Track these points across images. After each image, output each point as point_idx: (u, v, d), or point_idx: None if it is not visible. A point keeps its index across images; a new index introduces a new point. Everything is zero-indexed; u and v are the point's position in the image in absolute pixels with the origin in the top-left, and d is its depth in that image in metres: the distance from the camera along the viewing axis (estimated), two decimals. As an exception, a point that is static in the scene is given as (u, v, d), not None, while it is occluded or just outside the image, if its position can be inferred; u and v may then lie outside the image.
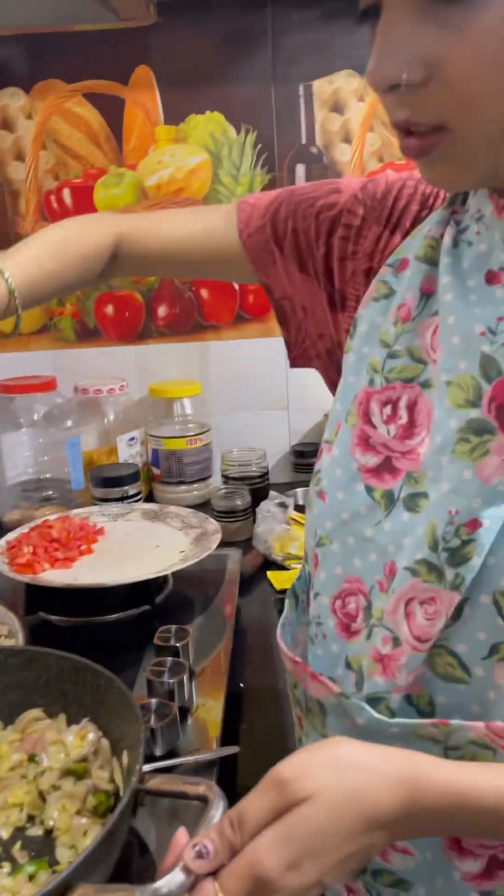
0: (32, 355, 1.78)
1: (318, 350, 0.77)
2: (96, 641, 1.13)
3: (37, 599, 1.16)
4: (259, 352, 1.79)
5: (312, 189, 0.75)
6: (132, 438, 1.74)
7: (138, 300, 1.78)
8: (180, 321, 1.80)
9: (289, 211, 0.75)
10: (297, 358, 0.81)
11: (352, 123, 1.69)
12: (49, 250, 0.81)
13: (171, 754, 0.85)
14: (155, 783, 0.60)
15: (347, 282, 0.71)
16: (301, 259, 0.74)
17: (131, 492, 1.55)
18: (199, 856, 0.47)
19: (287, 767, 0.49)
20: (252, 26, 1.63)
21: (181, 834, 0.51)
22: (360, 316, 0.67)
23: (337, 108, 1.68)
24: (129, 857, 0.62)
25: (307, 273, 0.74)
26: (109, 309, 1.78)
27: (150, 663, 0.96)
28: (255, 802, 0.48)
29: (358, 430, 0.63)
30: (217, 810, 0.53)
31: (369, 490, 0.61)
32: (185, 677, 0.93)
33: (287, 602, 0.73)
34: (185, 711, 0.92)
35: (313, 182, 0.77)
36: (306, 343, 0.79)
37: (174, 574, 1.21)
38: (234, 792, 0.60)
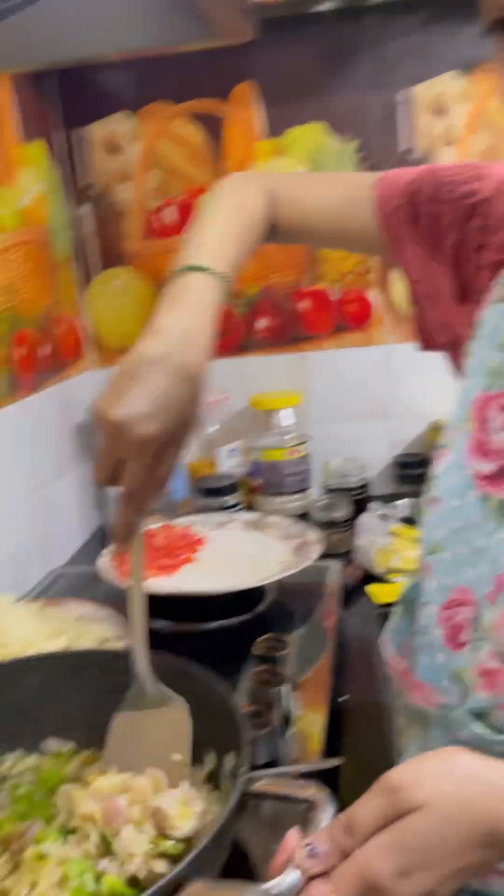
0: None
1: (441, 339, 0.76)
2: (198, 648, 1.13)
3: (141, 605, 1.18)
4: (360, 361, 1.77)
5: (454, 173, 0.73)
6: (232, 449, 1.76)
7: (236, 316, 1.80)
8: (280, 333, 1.80)
9: (427, 193, 0.73)
10: (425, 342, 0.79)
11: (455, 126, 1.66)
12: (232, 229, 0.77)
13: (271, 765, 0.84)
14: (262, 785, 0.59)
15: (476, 274, 0.69)
16: (433, 243, 0.73)
17: (231, 502, 1.57)
18: (312, 856, 0.47)
19: (399, 774, 0.47)
20: (351, 36, 1.63)
21: (293, 834, 0.51)
22: (482, 318, 0.65)
23: (439, 111, 1.65)
24: (231, 861, 0.62)
25: (438, 258, 0.73)
26: (211, 323, 1.81)
27: (250, 673, 0.95)
28: (366, 808, 0.47)
29: (474, 436, 0.61)
30: (325, 814, 0.52)
31: (484, 499, 0.59)
32: (286, 688, 0.93)
33: (396, 610, 0.72)
34: (285, 723, 0.92)
35: (456, 164, 0.75)
36: (431, 329, 0.77)
37: (275, 585, 1.20)
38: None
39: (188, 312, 0.69)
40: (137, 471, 0.64)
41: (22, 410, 1.47)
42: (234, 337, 1.81)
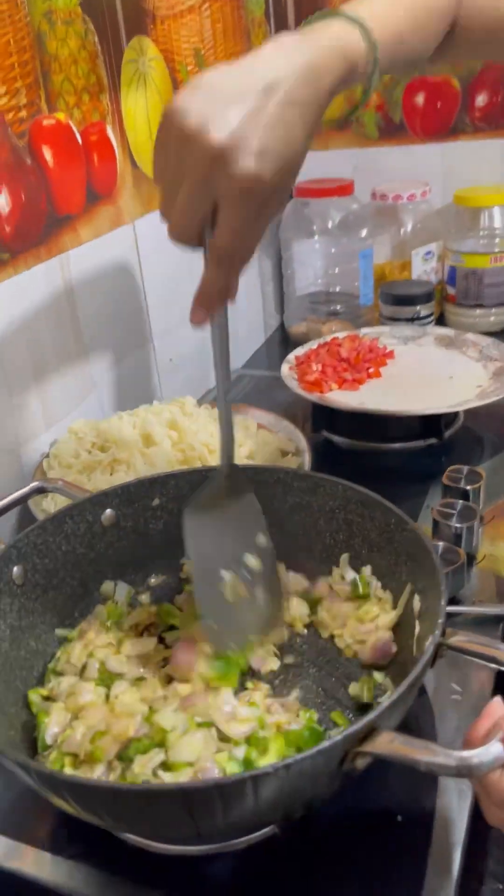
0: (330, 155, 1.65)
1: None
2: (378, 468, 1.10)
3: (322, 419, 1.14)
4: None
5: None
6: (428, 252, 1.59)
7: (454, 87, 1.53)
8: (501, 113, 1.53)
9: None
10: None
11: None
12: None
13: (453, 602, 0.81)
14: (457, 640, 0.56)
15: None
16: None
17: (423, 313, 1.44)
18: None
19: None
20: None
21: (497, 704, 0.47)
22: None
23: None
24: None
25: None
26: (420, 99, 1.56)
27: (436, 503, 0.90)
28: None
29: None
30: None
31: None
32: (475, 523, 0.87)
33: None
34: (470, 559, 0.87)
35: None
36: None
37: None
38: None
39: (317, 48, 0.53)
40: (237, 222, 0.51)
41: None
42: (446, 117, 1.56)
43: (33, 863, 0.59)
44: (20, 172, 0.92)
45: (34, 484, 0.80)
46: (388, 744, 0.48)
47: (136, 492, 0.78)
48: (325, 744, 0.47)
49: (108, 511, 0.77)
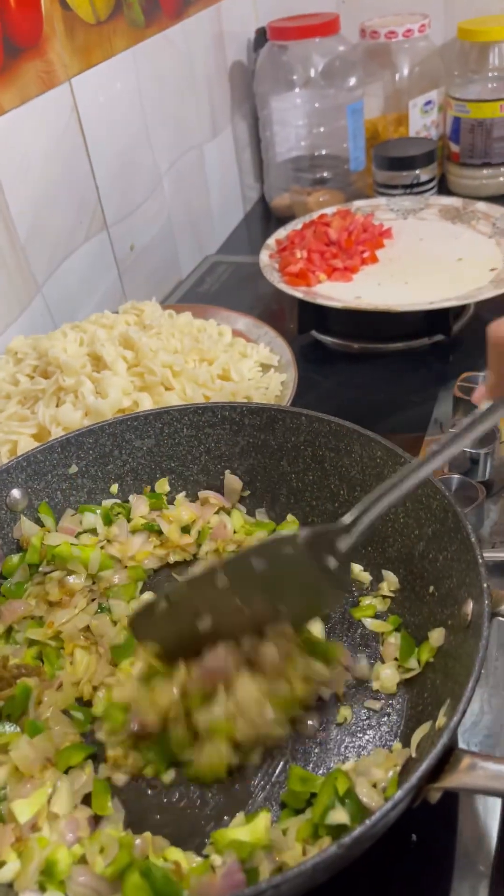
0: (310, -18, 1.37)
1: None
2: (376, 374, 0.95)
3: (309, 316, 0.97)
4: None
5: None
6: (428, 102, 1.35)
7: None
8: None
9: None
10: None
11: None
12: None
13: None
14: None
15: None
16: None
17: (424, 177, 1.23)
18: None
19: None
20: None
21: None
22: None
23: None
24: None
25: None
26: None
27: (448, 423, 0.76)
28: None
29: None
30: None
31: None
32: (494, 446, 0.73)
33: None
34: (488, 489, 0.73)
35: None
36: None
37: (479, 298, 0.94)
38: None
39: None
40: None
41: (162, 45, 1.14)
42: None
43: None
44: None
45: None
46: (476, 774, 0.38)
47: (45, 461, 0.63)
48: (400, 795, 0.37)
49: (15, 492, 0.62)
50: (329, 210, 1.10)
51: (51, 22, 0.91)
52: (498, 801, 0.51)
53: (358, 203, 1.13)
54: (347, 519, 0.49)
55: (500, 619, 0.46)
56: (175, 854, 0.45)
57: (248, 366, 0.82)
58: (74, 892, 0.43)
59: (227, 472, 0.66)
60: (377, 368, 0.95)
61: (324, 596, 0.52)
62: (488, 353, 0.48)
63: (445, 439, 0.47)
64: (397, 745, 0.50)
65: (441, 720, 0.45)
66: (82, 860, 0.45)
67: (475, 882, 0.48)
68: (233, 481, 0.66)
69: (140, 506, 0.65)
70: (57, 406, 0.76)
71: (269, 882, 0.35)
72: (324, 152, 1.36)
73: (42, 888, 0.43)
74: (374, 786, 0.46)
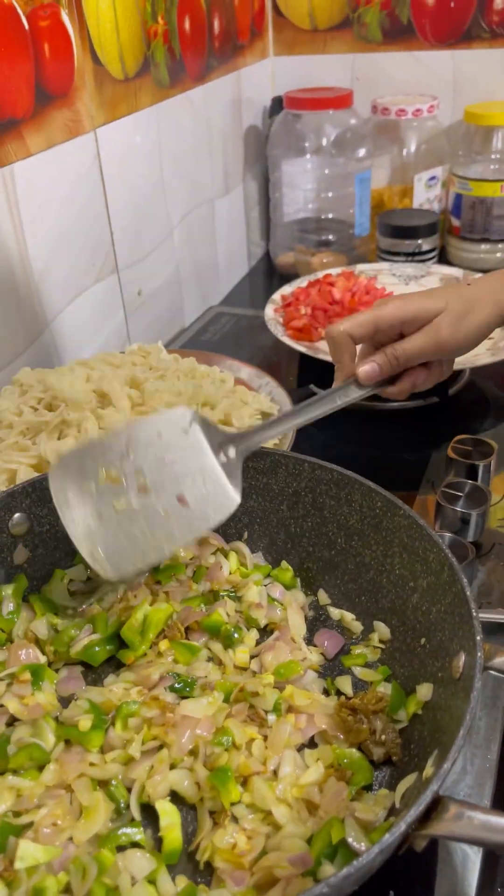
0: (327, 60, 1.45)
1: None
2: (371, 432, 0.97)
3: (309, 370, 1.00)
4: None
5: None
6: (433, 178, 1.41)
7: (471, -18, 1.33)
8: (525, 16, 1.33)
9: None
10: None
11: None
12: None
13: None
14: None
15: None
16: None
17: (426, 247, 1.28)
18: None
19: None
20: None
21: None
22: None
23: None
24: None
25: None
26: (432, -5, 1.35)
27: (440, 483, 0.77)
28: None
29: None
30: None
31: None
32: (486, 508, 0.74)
33: None
34: (477, 550, 0.75)
35: None
36: None
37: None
38: None
39: None
40: None
41: (184, 105, 1.19)
42: (460, 18, 1.36)
43: None
44: None
45: None
46: (462, 823, 0.38)
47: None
48: (387, 837, 0.38)
49: (18, 516, 0.62)
50: (334, 271, 1.14)
51: (82, 75, 0.95)
52: (476, 857, 0.50)
53: (361, 266, 1.17)
54: (232, 433, 0.60)
55: (493, 672, 0.46)
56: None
57: (249, 413, 0.83)
58: None
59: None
60: (373, 425, 0.97)
61: (216, 489, 0.55)
62: (329, 348, 0.69)
63: (312, 400, 0.65)
64: (383, 791, 0.50)
65: (429, 770, 0.45)
66: (66, 888, 0.44)
67: None
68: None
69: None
70: (59, 439, 0.77)
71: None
72: (330, 216, 1.41)
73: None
74: (363, 829, 0.46)
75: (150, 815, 0.50)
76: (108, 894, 0.44)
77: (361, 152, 1.35)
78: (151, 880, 0.46)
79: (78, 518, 0.55)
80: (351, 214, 1.39)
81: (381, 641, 0.59)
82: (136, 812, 0.50)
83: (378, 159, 1.41)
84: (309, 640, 0.62)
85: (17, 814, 0.48)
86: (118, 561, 0.54)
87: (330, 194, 1.39)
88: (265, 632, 0.62)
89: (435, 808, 0.40)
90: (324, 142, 1.35)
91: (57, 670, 0.59)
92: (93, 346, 1.05)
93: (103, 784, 0.51)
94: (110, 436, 0.57)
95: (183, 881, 0.46)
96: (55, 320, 0.97)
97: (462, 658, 0.47)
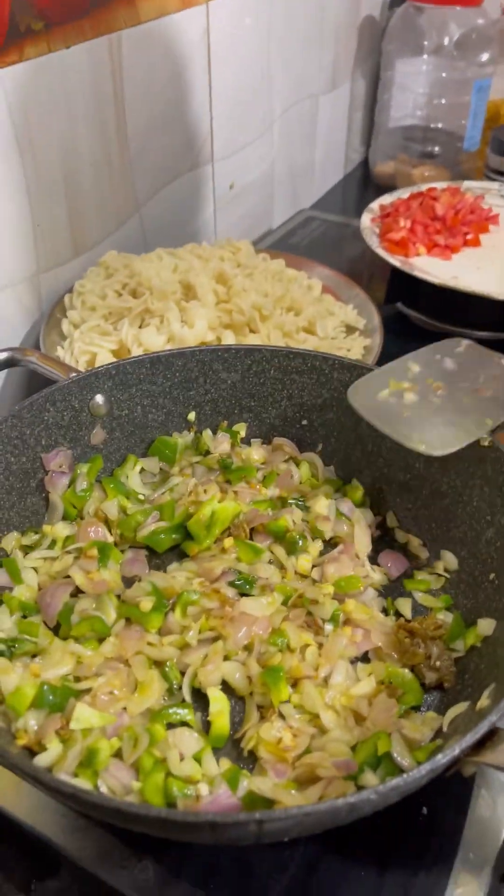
0: None
1: None
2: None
3: (400, 288, 0.96)
4: None
5: None
6: None
7: None
8: None
9: None
10: None
11: None
12: None
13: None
14: None
15: None
16: None
17: (539, 172, 1.19)
18: None
19: None
20: None
21: None
22: None
23: None
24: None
25: None
26: None
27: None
28: None
29: None
30: None
31: None
32: None
33: None
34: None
35: None
36: None
37: None
38: None
39: None
40: None
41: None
42: None
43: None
44: None
45: (2, 355, 0.63)
46: None
47: (134, 373, 0.63)
48: (440, 757, 0.38)
49: (99, 397, 0.62)
50: (438, 185, 1.07)
51: None
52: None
53: (469, 183, 1.11)
54: None
55: None
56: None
57: (334, 324, 0.81)
58: (107, 782, 0.45)
59: (305, 421, 0.66)
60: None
61: None
62: None
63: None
64: (431, 713, 0.50)
65: (484, 701, 0.45)
66: (117, 754, 0.46)
67: (479, 865, 0.48)
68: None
69: (223, 443, 0.66)
70: (141, 327, 0.76)
71: (301, 809, 0.36)
72: (439, 125, 1.33)
73: (74, 776, 0.45)
74: (409, 746, 0.47)
75: (200, 701, 0.52)
76: (155, 765, 0.46)
77: (485, 57, 1.25)
78: (197, 758, 0.47)
79: (389, 418, 0.55)
80: (462, 126, 1.30)
81: (446, 570, 0.59)
82: (187, 694, 0.51)
83: (501, 66, 1.30)
84: (373, 560, 0.61)
85: (77, 679, 0.50)
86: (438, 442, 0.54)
87: (443, 101, 1.30)
88: (329, 545, 0.62)
89: (490, 738, 0.40)
90: (445, 41, 1.25)
91: (122, 551, 0.61)
92: (180, 237, 1.03)
93: (159, 664, 0.52)
94: (391, 365, 0.59)
95: (227, 763, 0.48)
96: (145, 205, 0.94)
97: None
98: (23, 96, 0.71)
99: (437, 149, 1.34)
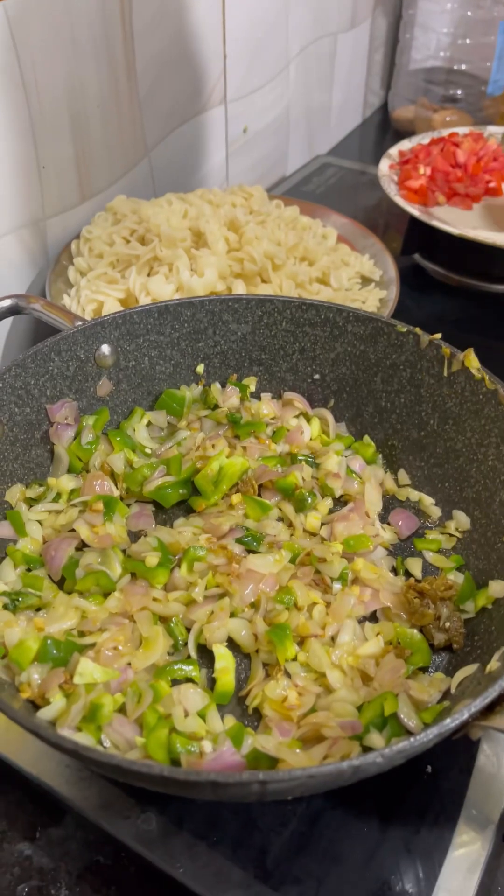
0: None
1: None
2: (472, 312, 0.90)
3: (417, 239, 0.92)
4: None
5: None
6: None
7: None
8: None
9: None
10: None
11: None
12: None
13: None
14: None
15: None
16: None
17: None
18: None
19: None
20: None
21: None
22: None
23: None
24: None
25: None
26: None
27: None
28: None
29: None
30: None
31: None
32: None
33: None
34: None
35: None
36: None
37: None
38: None
39: None
40: None
41: None
42: None
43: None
44: None
45: (5, 302, 0.61)
46: None
47: (141, 323, 0.61)
48: (448, 721, 0.38)
49: (105, 347, 0.60)
50: (460, 130, 1.03)
51: None
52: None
53: (493, 129, 1.06)
54: None
55: None
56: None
57: (348, 275, 0.78)
58: (110, 737, 0.44)
59: (317, 376, 0.64)
60: (473, 307, 0.90)
61: None
62: None
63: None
64: (439, 674, 0.50)
65: (494, 664, 0.44)
66: (121, 709, 0.46)
67: (483, 824, 0.48)
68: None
69: (232, 397, 0.64)
70: (149, 275, 0.74)
71: (305, 771, 0.36)
72: (463, 67, 1.27)
73: (77, 731, 0.45)
74: (415, 707, 0.46)
75: (205, 657, 0.52)
76: (159, 721, 0.45)
77: (513, -6, 1.19)
78: (202, 715, 0.47)
79: None
80: (487, 69, 1.24)
81: (458, 530, 0.58)
82: (192, 651, 0.51)
83: (530, 5, 1.24)
84: (383, 518, 0.60)
85: (81, 634, 0.50)
86: None
87: (468, 41, 1.24)
88: (339, 502, 0.61)
89: (499, 702, 0.39)
90: (473, -23, 1.19)
91: (129, 506, 0.60)
92: (190, 182, 0.99)
93: (164, 620, 0.52)
94: None
95: (231, 721, 0.47)
96: (155, 149, 0.91)
97: None
98: (26, 29, 0.68)
99: (459, 92, 1.28)
